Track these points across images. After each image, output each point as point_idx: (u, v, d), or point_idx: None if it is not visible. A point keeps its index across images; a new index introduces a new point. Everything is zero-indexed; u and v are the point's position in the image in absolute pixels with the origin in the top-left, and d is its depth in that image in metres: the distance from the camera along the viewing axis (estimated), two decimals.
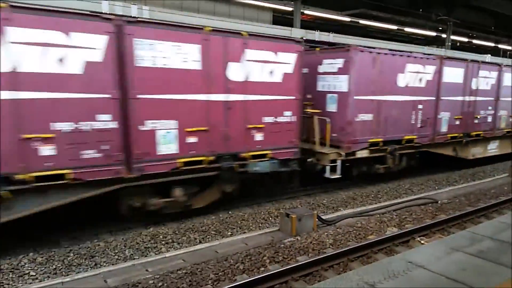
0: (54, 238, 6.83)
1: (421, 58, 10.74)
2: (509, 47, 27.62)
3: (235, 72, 7.51)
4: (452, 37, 23.73)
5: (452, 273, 3.67)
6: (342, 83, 9.48)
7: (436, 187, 11.20)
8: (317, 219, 7.24)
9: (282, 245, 6.41)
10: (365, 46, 10.18)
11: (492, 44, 28.33)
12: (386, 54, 9.85)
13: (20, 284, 5.40)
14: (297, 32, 14.70)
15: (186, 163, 7.17)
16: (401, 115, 10.47)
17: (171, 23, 6.85)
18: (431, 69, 10.93)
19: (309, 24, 19.69)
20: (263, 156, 8.19)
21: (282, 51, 8.06)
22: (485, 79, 12.90)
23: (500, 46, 28.34)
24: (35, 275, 5.63)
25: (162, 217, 7.67)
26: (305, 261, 5.56)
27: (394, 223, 7.75)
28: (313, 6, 18.26)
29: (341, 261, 5.82)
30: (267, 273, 5.16)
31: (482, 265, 3.87)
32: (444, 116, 11.73)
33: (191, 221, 7.87)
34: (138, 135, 6.57)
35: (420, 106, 10.85)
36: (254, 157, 8.06)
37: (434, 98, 11.23)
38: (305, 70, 9.54)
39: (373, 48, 10.18)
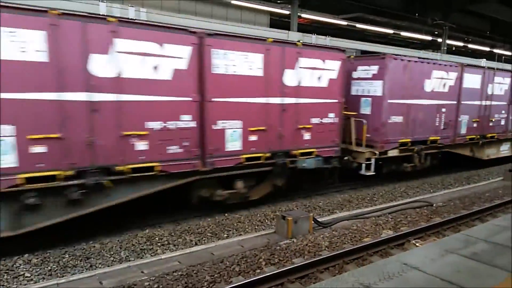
0: (49, 239, 6.67)
1: (445, 65, 11.70)
2: (504, 52, 28.13)
3: (290, 78, 8.42)
4: (448, 41, 23.72)
5: (446, 274, 3.69)
6: (376, 88, 10.40)
7: (431, 190, 11.23)
8: (313, 222, 7.26)
9: (278, 247, 6.37)
10: (397, 54, 11.11)
11: (488, 49, 28.66)
12: (415, 62, 10.81)
13: (15, 286, 5.38)
14: (294, 35, 14.69)
15: (248, 159, 8.08)
16: (427, 117, 11.40)
17: (241, 35, 7.76)
18: (453, 75, 11.89)
19: (306, 27, 19.79)
20: (310, 153, 9.10)
21: (328, 59, 8.98)
22: (499, 85, 13.91)
23: (495, 50, 28.17)
24: (30, 276, 5.60)
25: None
26: (301, 263, 5.53)
27: (389, 225, 7.72)
28: (310, 10, 18.35)
29: (337, 263, 5.81)
30: (263, 275, 5.14)
31: (476, 267, 3.90)
32: (464, 119, 12.69)
33: (187, 223, 7.94)
34: (211, 133, 7.47)
35: (443, 110, 11.79)
36: (302, 154, 8.96)
37: (455, 102, 12.20)
38: None
39: (404, 56, 11.12)
